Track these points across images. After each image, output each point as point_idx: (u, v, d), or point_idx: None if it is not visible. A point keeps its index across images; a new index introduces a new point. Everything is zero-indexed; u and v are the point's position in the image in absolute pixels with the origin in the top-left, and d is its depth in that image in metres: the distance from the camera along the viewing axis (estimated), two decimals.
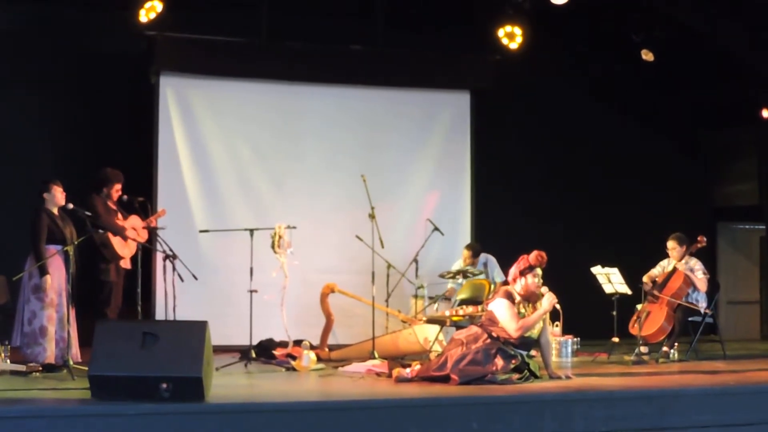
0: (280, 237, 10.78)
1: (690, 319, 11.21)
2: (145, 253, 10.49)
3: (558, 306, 9.17)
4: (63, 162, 12.23)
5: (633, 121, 14.94)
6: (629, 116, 14.91)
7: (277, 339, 11.38)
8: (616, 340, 11.28)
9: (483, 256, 12.57)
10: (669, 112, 14.97)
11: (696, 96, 14.87)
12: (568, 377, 9.08)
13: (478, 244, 12.76)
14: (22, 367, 9.19)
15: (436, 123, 13.89)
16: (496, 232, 13.42)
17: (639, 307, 11.31)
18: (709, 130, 15.48)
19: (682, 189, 15.09)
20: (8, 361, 9.32)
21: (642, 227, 13.98)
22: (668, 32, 13.31)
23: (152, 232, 10.85)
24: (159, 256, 10.41)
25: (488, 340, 8.83)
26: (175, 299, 9.79)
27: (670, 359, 10.92)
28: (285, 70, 13.15)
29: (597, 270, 11.45)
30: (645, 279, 11.42)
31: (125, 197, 10.63)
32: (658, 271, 11.52)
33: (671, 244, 11.35)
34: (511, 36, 13.59)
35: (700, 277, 11.19)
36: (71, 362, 9.03)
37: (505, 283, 9.71)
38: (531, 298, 9.04)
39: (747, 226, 16.00)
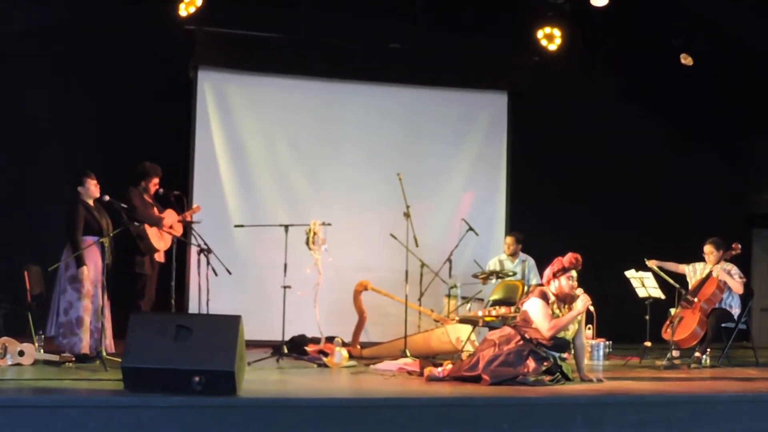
0: (314, 233, 10.79)
1: (723, 325, 11.12)
2: (180, 246, 10.52)
3: (592, 308, 9.12)
4: (100, 156, 12.26)
5: (671, 125, 14.85)
6: (668, 120, 14.82)
7: (309, 335, 11.41)
8: (648, 344, 11.26)
9: (523, 255, 12.62)
10: (708, 117, 14.85)
11: (735, 102, 14.76)
12: (599, 380, 9.03)
13: (522, 235, 12.73)
14: (55, 357, 9.26)
15: (473, 123, 13.90)
16: (531, 234, 13.34)
17: (672, 311, 11.27)
18: (748, 136, 15.35)
19: (719, 194, 14.99)
20: (42, 350, 9.41)
21: (678, 232, 13.85)
22: (708, 37, 13.24)
23: (187, 226, 10.89)
24: (193, 250, 10.45)
25: (521, 342, 8.80)
26: (208, 293, 9.85)
27: (702, 365, 10.84)
28: (323, 67, 13.17)
29: (631, 274, 11.43)
30: (652, 262, 11.35)
31: (161, 191, 10.64)
32: (689, 269, 11.47)
33: (708, 248, 11.28)
34: (550, 38, 13.62)
35: (737, 280, 11.10)
36: (105, 353, 9.11)
37: (540, 285, 9.67)
38: (565, 300, 9.00)
39: None
